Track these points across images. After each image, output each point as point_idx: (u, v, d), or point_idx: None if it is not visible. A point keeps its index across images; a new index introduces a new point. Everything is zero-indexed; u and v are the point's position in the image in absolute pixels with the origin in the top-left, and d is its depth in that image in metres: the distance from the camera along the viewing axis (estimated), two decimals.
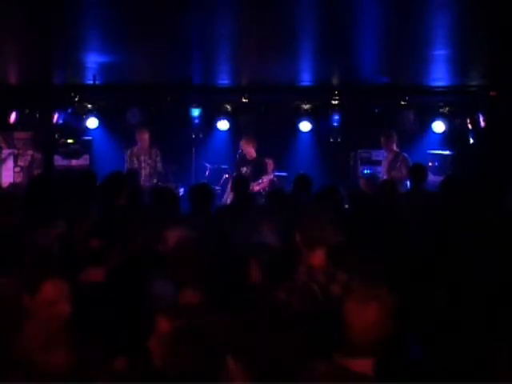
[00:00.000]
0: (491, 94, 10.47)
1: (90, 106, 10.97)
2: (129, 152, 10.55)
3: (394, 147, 10.24)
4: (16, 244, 4.10)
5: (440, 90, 10.88)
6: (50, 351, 2.94)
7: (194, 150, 11.42)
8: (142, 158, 10.49)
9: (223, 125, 11.24)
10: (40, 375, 2.86)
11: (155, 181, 10.35)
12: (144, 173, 10.38)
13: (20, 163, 11.06)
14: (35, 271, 3.32)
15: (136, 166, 10.35)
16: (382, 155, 10.73)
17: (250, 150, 10.42)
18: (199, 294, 3.39)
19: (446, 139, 11.18)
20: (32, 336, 2.97)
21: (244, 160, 10.39)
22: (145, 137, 10.49)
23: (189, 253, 3.54)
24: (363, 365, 2.56)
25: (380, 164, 10.68)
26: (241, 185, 7.60)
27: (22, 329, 2.99)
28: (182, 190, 10.13)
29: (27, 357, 2.90)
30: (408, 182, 9.73)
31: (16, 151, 11.05)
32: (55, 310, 3.09)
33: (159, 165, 10.48)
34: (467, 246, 5.00)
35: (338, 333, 2.61)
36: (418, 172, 7.99)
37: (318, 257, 3.76)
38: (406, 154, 10.15)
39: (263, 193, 9.53)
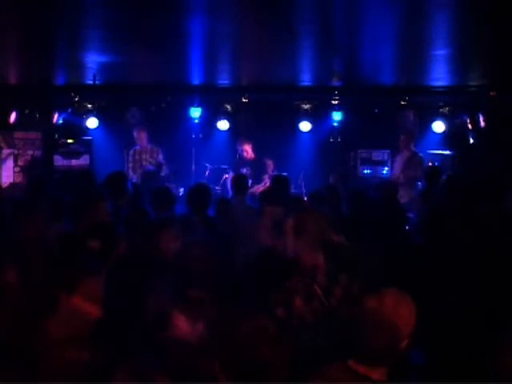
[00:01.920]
0: (491, 94, 10.47)
1: (89, 105, 11.01)
2: (132, 151, 10.63)
3: (412, 147, 10.29)
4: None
5: (440, 89, 10.88)
6: (72, 349, 2.93)
7: (193, 150, 11.43)
8: (144, 156, 10.55)
9: (223, 125, 11.25)
10: (59, 373, 2.86)
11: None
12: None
13: (20, 163, 11.07)
14: (76, 269, 3.30)
15: (139, 164, 10.44)
16: (382, 155, 10.75)
17: (247, 151, 10.49)
18: (203, 295, 3.38)
19: (446, 139, 11.18)
20: (57, 333, 2.96)
21: (243, 160, 10.43)
22: (142, 136, 10.57)
23: (193, 253, 3.54)
24: (381, 373, 2.53)
25: (380, 164, 10.70)
26: (240, 183, 7.61)
27: (49, 325, 2.99)
28: (181, 190, 10.14)
29: (49, 353, 2.90)
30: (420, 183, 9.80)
31: (16, 151, 11.07)
32: (89, 308, 3.10)
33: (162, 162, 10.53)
34: (467, 246, 4.99)
35: (347, 337, 2.59)
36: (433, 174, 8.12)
37: (320, 258, 3.75)
38: (421, 155, 10.21)
39: None
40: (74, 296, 3.09)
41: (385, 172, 10.93)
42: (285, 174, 10.53)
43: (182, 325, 3.04)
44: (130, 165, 10.54)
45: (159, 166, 10.23)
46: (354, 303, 2.78)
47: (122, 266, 4.15)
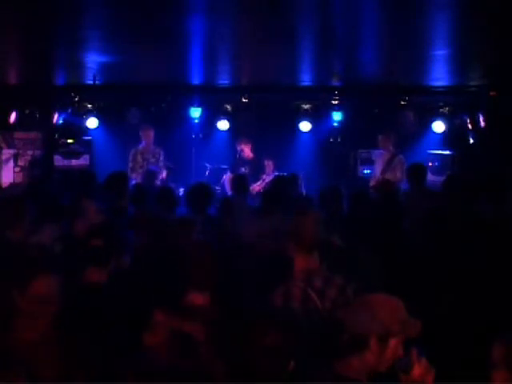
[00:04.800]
0: (491, 94, 10.47)
1: (89, 105, 11.01)
2: (133, 151, 10.61)
3: (391, 147, 10.16)
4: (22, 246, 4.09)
5: (440, 89, 10.88)
6: (38, 350, 2.92)
7: (193, 150, 11.44)
8: (145, 156, 10.56)
9: (223, 125, 11.26)
10: (29, 375, 2.85)
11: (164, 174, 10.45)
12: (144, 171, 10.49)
13: (20, 163, 11.07)
14: (26, 267, 3.29)
15: (140, 164, 10.45)
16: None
17: (246, 151, 10.53)
18: (206, 296, 3.37)
19: (446, 139, 11.18)
20: (21, 334, 2.96)
21: (243, 160, 10.47)
22: (150, 134, 10.57)
23: (198, 254, 3.53)
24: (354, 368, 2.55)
25: None
26: (241, 184, 7.61)
27: (11, 327, 2.98)
28: (181, 190, 10.15)
29: (16, 355, 2.89)
30: (404, 183, 9.68)
31: (16, 151, 11.07)
32: (45, 306, 3.08)
33: (161, 164, 10.51)
34: (467, 247, 5.00)
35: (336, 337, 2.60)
36: (417, 171, 7.93)
37: (314, 260, 3.74)
38: (402, 156, 9.98)
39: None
40: (26, 294, 3.06)
41: None
42: (285, 173, 10.59)
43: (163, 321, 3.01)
44: (130, 164, 10.53)
45: (169, 169, 10.27)
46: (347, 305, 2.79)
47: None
